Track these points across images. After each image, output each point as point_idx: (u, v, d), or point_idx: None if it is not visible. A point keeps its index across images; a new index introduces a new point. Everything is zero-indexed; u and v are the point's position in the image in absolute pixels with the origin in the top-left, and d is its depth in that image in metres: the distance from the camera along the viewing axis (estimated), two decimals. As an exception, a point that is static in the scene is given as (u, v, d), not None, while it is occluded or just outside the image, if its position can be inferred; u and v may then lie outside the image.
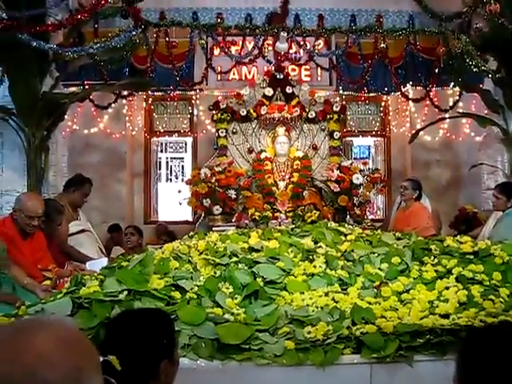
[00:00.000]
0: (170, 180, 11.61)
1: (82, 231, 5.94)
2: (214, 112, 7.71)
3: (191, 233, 4.95)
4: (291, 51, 8.29)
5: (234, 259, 3.31)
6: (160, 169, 10.55)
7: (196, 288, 2.96)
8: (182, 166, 11.62)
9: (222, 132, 7.50)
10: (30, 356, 0.86)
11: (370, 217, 8.30)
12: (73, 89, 8.41)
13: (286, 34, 6.63)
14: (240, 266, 3.23)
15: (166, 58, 8.56)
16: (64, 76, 7.54)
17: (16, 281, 4.06)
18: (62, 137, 7.67)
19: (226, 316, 2.75)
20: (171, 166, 11.65)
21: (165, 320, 2.00)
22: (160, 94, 9.37)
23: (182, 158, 11.50)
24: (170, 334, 1.97)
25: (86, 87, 8.31)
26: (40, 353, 0.86)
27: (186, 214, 9.58)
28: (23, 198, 4.79)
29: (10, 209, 6.50)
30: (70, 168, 7.94)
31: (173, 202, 10.33)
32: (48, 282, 4.43)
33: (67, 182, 6.20)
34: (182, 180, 11.35)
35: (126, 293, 2.78)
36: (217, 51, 8.74)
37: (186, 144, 11.03)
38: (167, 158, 11.34)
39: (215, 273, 3.15)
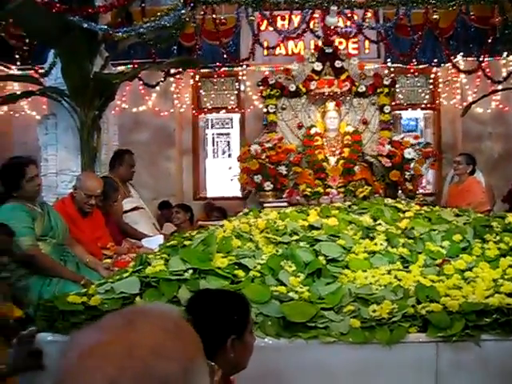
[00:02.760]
0: (217, 156, 11.66)
1: (136, 208, 6.04)
2: (262, 88, 7.69)
3: (245, 210, 4.98)
4: (340, 24, 8.15)
5: (295, 237, 3.33)
6: (213, 145, 10.63)
7: (259, 266, 2.98)
8: (228, 142, 11.66)
9: (271, 108, 7.48)
10: (144, 349, 0.83)
11: (421, 191, 8.20)
12: (121, 68, 8.49)
13: (336, 8, 6.53)
14: (301, 244, 3.24)
15: (212, 35, 8.54)
16: (113, 56, 7.60)
17: (78, 259, 4.17)
18: (113, 116, 7.74)
19: (291, 294, 2.77)
20: (217, 142, 11.71)
21: (240, 301, 2.07)
22: (207, 70, 9.36)
23: (228, 134, 11.54)
24: (243, 315, 2.03)
25: (135, 66, 8.39)
26: (153, 345, 0.84)
27: (234, 189, 9.62)
28: (82, 177, 4.92)
29: (65, 188, 6.65)
30: (120, 146, 8.04)
31: (220, 178, 10.40)
32: (108, 261, 4.54)
33: (110, 162, 6.30)
34: (229, 156, 11.40)
35: (191, 271, 2.83)
36: (263, 26, 8.69)
37: (231, 120, 11.05)
38: (213, 135, 11.39)
39: (277, 251, 3.17)
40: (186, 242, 3.22)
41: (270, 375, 2.49)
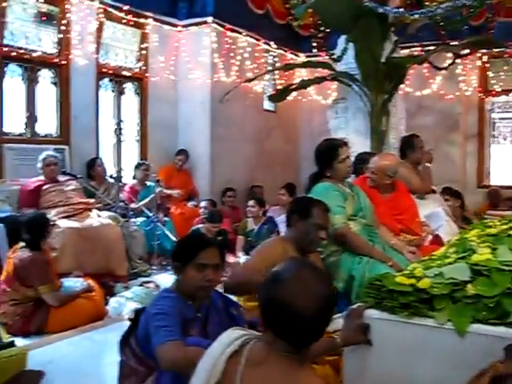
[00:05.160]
0: (498, 142, 11.01)
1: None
2: None
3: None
4: None
5: None
6: (494, 130, 10.07)
7: None
8: (512, 127, 10.88)
9: None
10: None
11: None
12: (405, 51, 8.44)
13: None
14: None
15: (509, 11, 8.05)
16: (402, 39, 7.57)
17: (384, 240, 4.27)
18: (401, 100, 7.73)
19: None
20: (499, 127, 11.02)
21: None
22: (496, 50, 8.85)
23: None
24: None
25: (422, 49, 8.29)
26: None
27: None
28: (377, 158, 4.95)
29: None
30: (406, 131, 8.02)
31: (504, 165, 9.80)
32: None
33: (400, 149, 6.19)
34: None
35: (521, 264, 2.70)
36: None
37: (516, 103, 10.32)
38: (494, 119, 10.76)
39: None
40: (511, 232, 3.08)
41: None
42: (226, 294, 3.20)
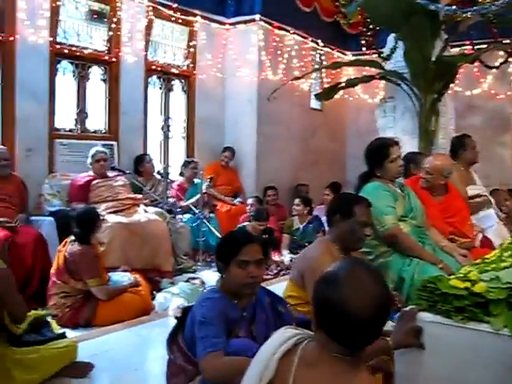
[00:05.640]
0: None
1: (478, 196, 5.85)
2: None
3: None
4: None
5: None
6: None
7: None
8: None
9: None
10: None
11: None
12: (455, 50, 8.28)
13: None
14: None
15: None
16: (453, 37, 7.43)
17: (434, 242, 4.19)
18: (450, 99, 7.58)
19: None
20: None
21: None
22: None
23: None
24: None
25: (473, 47, 8.11)
26: None
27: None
28: (431, 158, 4.86)
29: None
30: (456, 131, 7.87)
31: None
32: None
33: (451, 149, 6.05)
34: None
35: None
36: None
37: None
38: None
39: None
40: None
41: None
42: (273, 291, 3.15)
